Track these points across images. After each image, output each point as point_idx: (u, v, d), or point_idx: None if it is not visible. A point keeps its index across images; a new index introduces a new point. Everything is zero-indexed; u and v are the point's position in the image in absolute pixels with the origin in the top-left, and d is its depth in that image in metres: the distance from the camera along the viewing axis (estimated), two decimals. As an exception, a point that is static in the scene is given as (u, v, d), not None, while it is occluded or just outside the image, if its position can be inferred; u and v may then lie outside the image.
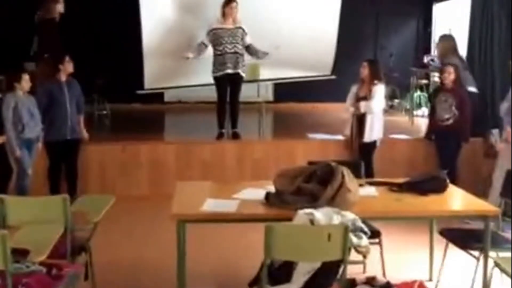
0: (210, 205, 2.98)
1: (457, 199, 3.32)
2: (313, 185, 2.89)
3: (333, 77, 6.97)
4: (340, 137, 5.67)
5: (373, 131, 5.26)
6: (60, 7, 6.01)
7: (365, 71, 5.24)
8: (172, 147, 5.77)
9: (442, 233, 3.49)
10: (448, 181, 3.37)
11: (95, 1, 6.34)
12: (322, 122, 7.38)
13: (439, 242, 3.54)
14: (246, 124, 6.22)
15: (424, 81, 8.04)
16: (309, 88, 7.66)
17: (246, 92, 6.20)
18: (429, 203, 3.17)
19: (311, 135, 6.11)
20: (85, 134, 5.19)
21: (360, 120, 5.28)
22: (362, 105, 5.20)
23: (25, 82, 4.61)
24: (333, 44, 6.79)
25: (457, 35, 7.42)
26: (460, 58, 6.00)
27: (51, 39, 5.84)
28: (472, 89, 5.79)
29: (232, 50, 5.70)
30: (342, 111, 5.72)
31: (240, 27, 5.76)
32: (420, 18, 9.20)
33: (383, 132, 5.41)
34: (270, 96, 8.18)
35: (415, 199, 3.20)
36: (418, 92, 8.03)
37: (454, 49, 6.08)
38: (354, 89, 5.36)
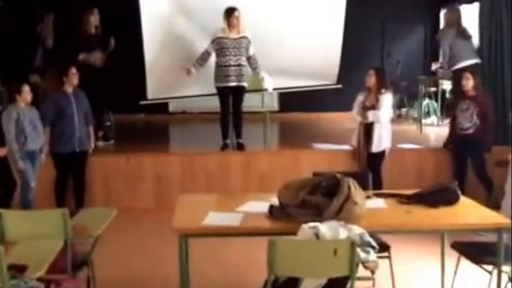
0: (213, 218, 2.90)
1: (469, 212, 3.20)
2: (318, 197, 2.80)
3: (339, 86, 6.89)
4: (347, 147, 5.58)
5: (382, 141, 5.16)
6: (93, 20, 5.93)
7: (372, 79, 5.16)
8: (177, 158, 5.70)
9: (454, 246, 3.38)
10: (459, 192, 3.26)
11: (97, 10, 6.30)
12: (327, 132, 7.30)
13: (451, 255, 3.42)
14: (251, 135, 6.15)
15: (433, 89, 7.94)
16: (314, 97, 7.59)
17: (251, 102, 6.14)
18: (440, 216, 3.06)
19: (317, 145, 6.02)
20: (92, 146, 5.17)
21: (367, 129, 5.19)
22: (370, 114, 5.10)
23: (26, 93, 4.60)
24: (338, 52, 6.72)
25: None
26: (462, 30, 6.12)
27: (83, 51, 5.80)
28: (472, 61, 5.84)
29: (237, 63, 5.63)
30: (347, 120, 5.64)
31: (245, 37, 5.67)
32: (428, 25, 9.10)
33: (391, 142, 5.32)
34: (275, 105, 8.11)
35: (425, 211, 3.08)
36: (427, 100, 7.92)
37: (458, 22, 6.15)
38: (360, 98, 5.27)
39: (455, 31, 6.10)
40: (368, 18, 8.37)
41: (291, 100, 7.94)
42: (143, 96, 6.20)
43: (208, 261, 3.97)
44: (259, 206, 3.06)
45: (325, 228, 2.46)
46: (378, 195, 3.36)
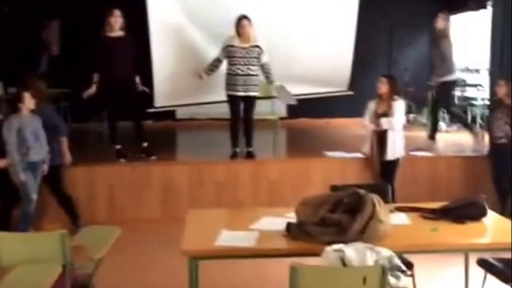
0: (225, 238, 2.71)
1: (497, 228, 3.01)
2: (340, 215, 2.61)
3: (350, 92, 6.73)
4: (359, 155, 5.40)
5: (396, 148, 5.02)
6: (114, 21, 5.46)
7: (384, 86, 5.04)
8: (184, 167, 5.50)
9: (480, 263, 3.18)
10: (487, 207, 3.07)
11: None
12: (337, 138, 7.12)
13: (476, 270, 3.22)
14: (260, 142, 5.96)
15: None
16: (322, 103, 7.44)
17: (260, 109, 5.96)
18: (468, 234, 2.87)
19: (328, 153, 5.83)
20: (65, 159, 4.76)
21: (380, 137, 5.04)
22: (385, 121, 4.96)
23: (28, 99, 4.41)
24: (349, 59, 6.59)
25: (474, 47, 7.20)
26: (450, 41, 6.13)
27: (103, 56, 5.48)
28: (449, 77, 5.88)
29: (245, 72, 5.45)
30: (356, 126, 5.46)
31: (256, 46, 5.47)
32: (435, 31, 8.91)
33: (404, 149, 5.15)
34: (284, 112, 7.93)
35: (451, 228, 2.90)
36: (436, 107, 7.73)
37: (447, 31, 6.14)
38: (372, 105, 5.12)
39: (451, 41, 6.04)
40: (375, 25, 8.17)
41: (299, 106, 7.74)
42: (150, 103, 6.03)
43: (219, 283, 3.75)
44: (274, 223, 2.88)
45: (351, 251, 2.27)
46: (400, 209, 3.17)
